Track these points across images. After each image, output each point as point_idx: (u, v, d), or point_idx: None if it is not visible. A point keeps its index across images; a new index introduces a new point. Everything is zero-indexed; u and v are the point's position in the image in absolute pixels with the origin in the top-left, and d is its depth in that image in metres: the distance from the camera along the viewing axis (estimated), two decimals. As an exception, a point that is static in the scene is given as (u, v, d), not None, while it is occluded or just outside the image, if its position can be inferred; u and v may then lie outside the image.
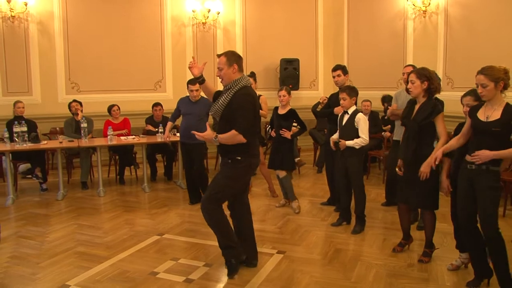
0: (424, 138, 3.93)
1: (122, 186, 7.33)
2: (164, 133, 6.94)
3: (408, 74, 4.10)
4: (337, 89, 5.62)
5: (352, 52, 10.29)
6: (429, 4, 8.19)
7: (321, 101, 6.49)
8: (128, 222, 5.39)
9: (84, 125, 6.86)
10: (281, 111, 5.74)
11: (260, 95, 6.20)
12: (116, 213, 5.77)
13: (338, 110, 5.24)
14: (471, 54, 7.34)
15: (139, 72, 9.08)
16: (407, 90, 4.18)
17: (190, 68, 4.02)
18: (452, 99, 6.47)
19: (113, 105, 7.73)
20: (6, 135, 6.57)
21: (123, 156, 7.48)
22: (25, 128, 6.45)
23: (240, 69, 3.83)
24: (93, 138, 7.33)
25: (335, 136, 5.08)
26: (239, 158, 3.75)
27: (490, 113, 3.36)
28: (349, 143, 4.81)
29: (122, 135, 7.41)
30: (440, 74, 7.75)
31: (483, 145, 3.35)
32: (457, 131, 3.83)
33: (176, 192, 6.89)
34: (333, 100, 5.61)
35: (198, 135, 3.77)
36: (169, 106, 7.89)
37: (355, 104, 5.01)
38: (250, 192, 4.39)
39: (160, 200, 6.43)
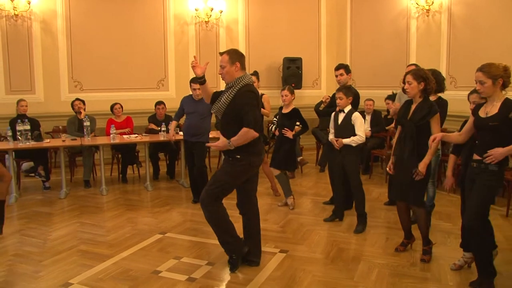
0: (421, 138, 3.95)
1: (124, 184, 7.34)
2: (167, 132, 6.98)
3: (404, 75, 4.11)
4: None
5: (355, 51, 10.27)
6: (433, 3, 8.16)
7: (323, 100, 6.47)
8: (130, 221, 5.39)
9: (87, 123, 6.88)
10: (285, 110, 5.76)
11: (263, 94, 6.21)
12: (119, 212, 5.77)
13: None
14: (474, 53, 7.31)
15: (141, 71, 9.08)
16: (404, 90, 4.21)
17: (193, 67, 4.02)
18: (455, 98, 6.47)
19: (115, 104, 7.74)
20: (9, 133, 6.58)
21: (125, 154, 7.49)
22: (28, 127, 6.47)
23: (243, 67, 3.83)
24: (96, 137, 7.33)
25: (332, 136, 5.12)
26: (238, 156, 3.76)
27: (490, 109, 3.38)
28: (346, 141, 4.87)
29: (124, 133, 7.42)
30: (443, 73, 7.68)
31: (485, 142, 3.37)
32: (463, 127, 3.86)
33: (178, 191, 6.89)
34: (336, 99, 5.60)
35: (213, 146, 3.83)
36: (172, 104, 7.90)
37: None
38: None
39: (162, 198, 6.44)
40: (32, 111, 7.47)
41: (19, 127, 6.40)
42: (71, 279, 3.77)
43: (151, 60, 9.17)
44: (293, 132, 5.67)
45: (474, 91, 3.87)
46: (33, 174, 7.14)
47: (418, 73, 3.97)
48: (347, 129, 4.90)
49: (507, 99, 3.33)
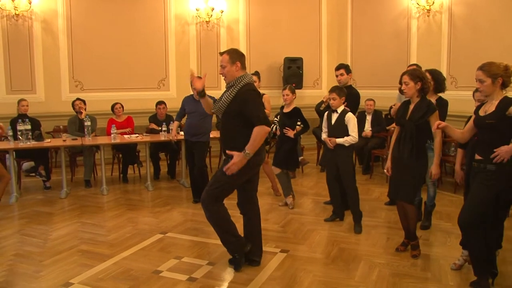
0: (420, 138, 3.99)
1: (125, 184, 7.34)
2: (168, 132, 6.99)
3: (401, 76, 4.12)
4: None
5: (355, 51, 10.28)
6: (433, 3, 8.15)
7: (324, 100, 6.46)
8: (131, 221, 5.39)
9: (87, 123, 6.88)
10: (286, 110, 5.77)
11: (263, 94, 6.21)
12: (119, 212, 5.78)
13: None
14: (475, 53, 7.30)
15: (142, 71, 9.09)
16: (401, 91, 4.22)
17: (191, 81, 4.02)
18: (456, 98, 6.47)
19: (116, 103, 7.74)
20: (10, 133, 6.58)
21: (126, 154, 7.49)
22: (29, 126, 6.47)
23: (243, 67, 3.82)
24: (97, 137, 7.34)
25: (324, 135, 5.15)
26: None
27: (488, 107, 3.40)
28: (339, 140, 4.92)
29: (125, 133, 7.42)
30: (444, 73, 7.66)
31: (484, 140, 3.39)
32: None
33: (179, 191, 6.90)
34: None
35: (232, 167, 3.64)
36: (173, 104, 7.91)
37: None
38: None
39: (163, 198, 6.44)
40: (32, 111, 7.48)
41: (20, 126, 6.41)
42: (72, 279, 3.77)
43: (152, 60, 9.18)
44: (295, 132, 5.67)
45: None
46: (33, 174, 7.15)
47: (414, 73, 4.01)
48: (340, 129, 4.95)
49: (505, 97, 3.33)
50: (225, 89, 3.86)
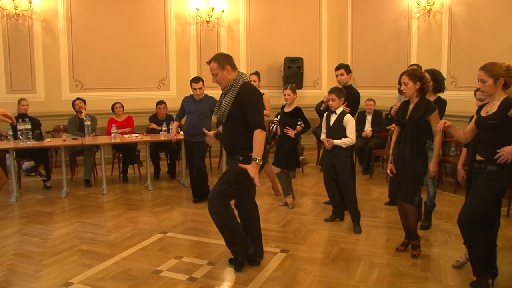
0: (420, 137, 4.01)
1: (125, 184, 7.34)
2: (168, 132, 6.99)
3: (400, 76, 4.13)
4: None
5: (356, 51, 10.27)
6: (434, 3, 8.15)
7: (324, 100, 6.47)
8: (131, 220, 5.39)
9: (87, 123, 6.88)
10: (287, 109, 5.77)
11: (263, 94, 6.20)
12: (120, 211, 5.77)
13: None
14: (475, 54, 7.30)
15: (143, 70, 9.09)
16: (400, 91, 4.23)
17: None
18: (456, 98, 6.47)
19: (116, 103, 7.74)
20: (10, 132, 6.59)
21: (126, 154, 7.49)
22: (29, 126, 6.47)
23: (234, 68, 3.79)
24: (97, 136, 7.34)
25: (323, 136, 5.17)
26: (250, 154, 3.66)
27: (490, 108, 3.39)
28: (337, 142, 4.94)
29: (125, 133, 7.42)
30: (444, 73, 7.68)
31: (485, 141, 3.39)
32: None
33: (179, 191, 6.89)
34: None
35: (253, 174, 3.57)
36: (173, 104, 7.91)
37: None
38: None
39: (163, 198, 6.44)
40: (33, 111, 7.48)
41: (20, 126, 6.40)
42: (72, 279, 3.77)
43: (152, 59, 9.17)
44: (295, 131, 5.67)
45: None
46: (33, 174, 7.15)
47: (413, 73, 4.03)
48: (338, 130, 4.96)
49: (507, 98, 3.32)
50: (222, 93, 3.82)
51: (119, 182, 7.45)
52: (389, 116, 7.65)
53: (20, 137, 6.41)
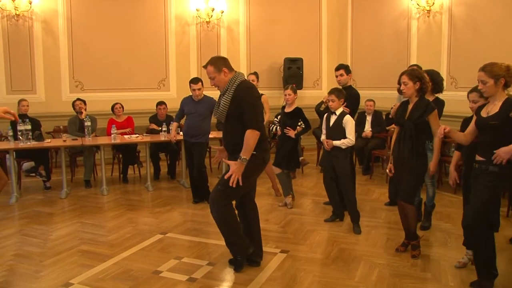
0: (420, 137, 4.02)
1: (125, 184, 7.34)
2: (168, 132, 6.99)
3: (400, 76, 4.13)
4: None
5: (355, 51, 10.28)
6: (433, 3, 8.15)
7: (324, 100, 6.47)
8: (131, 221, 5.39)
9: (87, 123, 6.88)
10: (287, 110, 5.78)
11: (262, 94, 6.21)
12: (120, 212, 5.78)
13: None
14: (475, 54, 7.30)
15: (143, 71, 9.09)
16: (399, 91, 4.24)
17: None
18: (456, 99, 6.47)
19: (115, 103, 7.74)
20: (10, 133, 6.59)
21: (126, 154, 7.50)
22: (29, 127, 6.47)
23: (230, 69, 3.79)
24: (97, 137, 7.34)
25: (323, 136, 5.17)
26: (254, 153, 3.68)
27: (491, 108, 3.39)
28: (336, 143, 4.93)
29: (125, 133, 7.43)
30: (444, 74, 7.72)
31: (485, 142, 3.39)
32: (463, 126, 3.97)
33: (179, 191, 6.90)
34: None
35: (233, 173, 3.61)
36: (173, 105, 7.91)
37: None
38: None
39: (163, 199, 6.44)
40: (33, 111, 7.48)
41: (20, 127, 6.40)
42: (72, 279, 3.77)
43: (152, 60, 9.18)
44: (296, 131, 5.68)
45: (473, 89, 3.94)
46: (34, 174, 7.15)
47: (413, 73, 4.04)
48: (338, 131, 4.96)
49: (508, 99, 3.33)
50: (221, 94, 3.83)
51: (119, 182, 7.45)
52: (390, 117, 7.66)
53: (20, 137, 6.41)
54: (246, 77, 3.98)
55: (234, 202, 3.99)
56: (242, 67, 9.65)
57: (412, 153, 3.99)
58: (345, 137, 4.92)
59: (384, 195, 6.33)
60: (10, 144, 6.43)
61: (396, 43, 9.11)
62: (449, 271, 3.89)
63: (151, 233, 4.95)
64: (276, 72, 10.21)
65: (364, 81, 9.75)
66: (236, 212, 4.01)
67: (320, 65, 10.73)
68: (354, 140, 4.99)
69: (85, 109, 7.41)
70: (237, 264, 3.93)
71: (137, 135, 7.25)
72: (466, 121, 4.04)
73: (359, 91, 5.70)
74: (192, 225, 5.25)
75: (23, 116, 6.86)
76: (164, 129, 7.09)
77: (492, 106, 3.39)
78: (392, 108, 5.27)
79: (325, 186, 5.32)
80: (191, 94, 6.14)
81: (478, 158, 3.45)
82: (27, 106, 7.16)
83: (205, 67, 3.82)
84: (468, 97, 4.01)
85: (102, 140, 6.95)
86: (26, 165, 7.36)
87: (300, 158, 7.29)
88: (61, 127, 8.18)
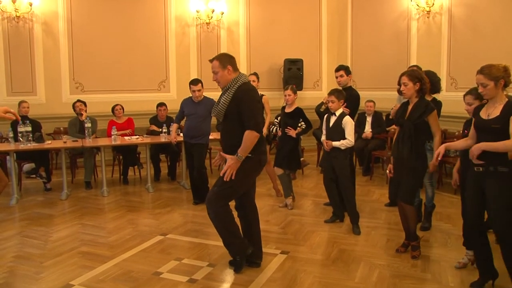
0: (419, 137, 4.03)
1: (125, 186, 7.34)
2: (168, 134, 6.99)
3: (400, 76, 4.14)
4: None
5: (355, 52, 10.29)
6: (433, 4, 8.16)
7: (324, 101, 6.48)
8: (131, 222, 5.40)
9: (88, 125, 6.88)
10: (288, 110, 5.78)
11: (263, 95, 6.22)
12: (120, 213, 5.78)
13: None
14: (475, 55, 7.31)
15: (143, 72, 9.10)
16: (399, 92, 4.25)
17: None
18: (455, 99, 6.46)
19: (116, 105, 7.75)
20: (11, 135, 6.60)
21: (127, 156, 7.50)
22: (29, 128, 6.47)
23: (235, 69, 3.81)
24: (97, 138, 7.35)
25: (323, 137, 5.18)
26: (250, 155, 3.70)
27: (491, 111, 3.37)
28: (336, 143, 4.94)
29: (126, 135, 7.43)
30: (443, 74, 7.73)
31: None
32: (465, 128, 3.96)
33: (179, 192, 6.90)
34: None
35: (228, 168, 3.65)
36: (173, 106, 7.91)
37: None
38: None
39: (163, 200, 6.44)
40: (33, 113, 7.49)
41: (21, 128, 6.41)
42: (72, 281, 3.77)
43: (152, 61, 9.19)
44: (296, 131, 5.68)
45: (468, 92, 3.96)
46: (34, 176, 7.15)
47: (413, 74, 4.05)
48: (337, 132, 4.97)
49: (509, 102, 3.31)
50: (222, 92, 3.84)
51: (120, 184, 7.45)
52: (390, 117, 7.67)
53: (21, 139, 6.41)
54: None
55: (233, 203, 4.01)
56: (242, 68, 9.62)
57: (411, 153, 3.99)
58: (344, 138, 4.93)
59: (384, 196, 6.33)
60: (10, 146, 6.44)
61: (396, 44, 9.12)
62: (449, 271, 3.89)
63: (152, 234, 4.95)
64: (276, 73, 10.22)
65: (364, 82, 9.76)
66: (236, 213, 4.02)
67: (320, 66, 10.74)
68: (353, 141, 5.00)
69: (86, 111, 7.42)
70: (236, 265, 3.93)
71: (138, 136, 7.25)
72: (467, 123, 3.99)
73: (359, 92, 5.71)
74: (193, 226, 5.25)
75: (24, 118, 6.86)
76: (164, 130, 7.10)
77: (493, 108, 3.35)
78: (392, 109, 5.28)
79: (325, 187, 5.33)
80: (191, 95, 6.15)
81: (477, 161, 3.36)
82: (28, 107, 7.16)
83: (211, 61, 3.84)
84: (464, 99, 3.99)
85: (102, 142, 6.95)
86: (27, 166, 7.36)
87: (301, 159, 7.29)
88: (62, 128, 8.19)
